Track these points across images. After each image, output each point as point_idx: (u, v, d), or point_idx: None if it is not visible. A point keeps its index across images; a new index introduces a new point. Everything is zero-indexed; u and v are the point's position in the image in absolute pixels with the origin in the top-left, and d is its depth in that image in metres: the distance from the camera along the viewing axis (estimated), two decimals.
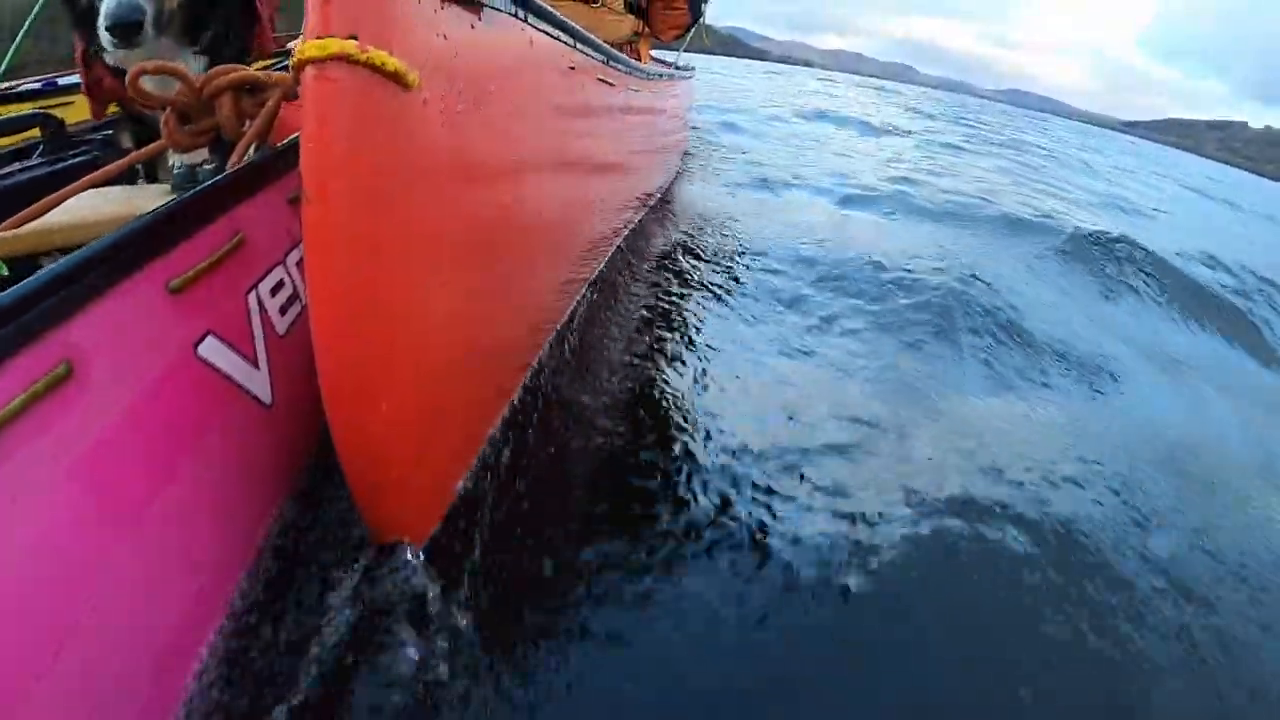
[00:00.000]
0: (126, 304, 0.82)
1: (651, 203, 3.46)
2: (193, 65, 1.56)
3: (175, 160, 1.70)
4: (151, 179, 1.77)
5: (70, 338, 0.75)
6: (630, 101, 2.44)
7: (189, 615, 0.84)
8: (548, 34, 1.38)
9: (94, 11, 1.46)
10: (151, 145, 1.41)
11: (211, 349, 0.92)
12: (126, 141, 2.01)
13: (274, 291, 1.07)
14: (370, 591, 0.96)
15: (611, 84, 2.04)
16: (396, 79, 0.79)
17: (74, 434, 0.73)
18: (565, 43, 1.51)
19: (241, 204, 1.07)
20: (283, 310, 1.08)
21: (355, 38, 0.76)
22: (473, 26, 0.98)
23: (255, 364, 0.99)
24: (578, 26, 1.64)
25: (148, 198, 1.39)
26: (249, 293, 1.02)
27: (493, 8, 1.04)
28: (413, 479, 0.98)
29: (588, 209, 2.06)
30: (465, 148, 0.99)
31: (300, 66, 0.76)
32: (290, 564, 1.01)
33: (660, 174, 3.77)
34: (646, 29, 3.15)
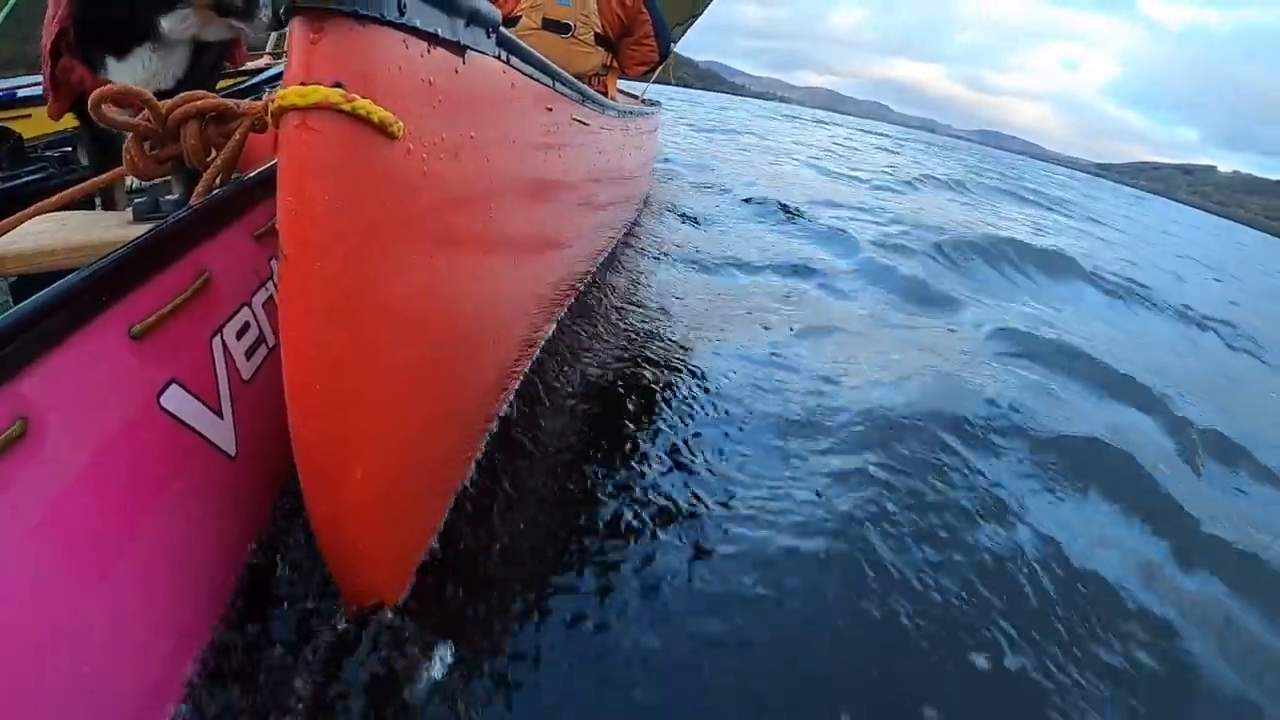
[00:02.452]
0: (86, 354, 0.78)
1: (614, 245, 3.48)
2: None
3: (133, 182, 1.66)
4: (108, 203, 1.72)
5: (25, 392, 0.71)
6: (602, 141, 2.42)
7: (159, 674, 0.80)
8: (528, 75, 1.37)
9: None
10: (112, 172, 1.36)
11: (174, 399, 0.88)
12: (85, 159, 1.96)
13: (239, 334, 1.04)
14: (347, 657, 0.93)
15: (586, 123, 2.03)
16: (381, 129, 0.77)
17: (31, 495, 0.69)
18: (544, 83, 1.50)
19: (206, 241, 1.03)
20: (248, 354, 1.05)
21: (341, 85, 0.74)
22: (456, 70, 0.96)
23: (219, 413, 0.96)
24: (554, 65, 1.63)
25: (107, 226, 1.34)
26: (213, 336, 0.98)
27: (477, 50, 1.02)
28: (388, 542, 0.95)
29: (561, 254, 2.06)
30: (447, 199, 0.97)
31: (280, 111, 0.74)
32: (261, 617, 0.97)
33: (626, 213, 3.79)
34: (614, 62, 3.16)
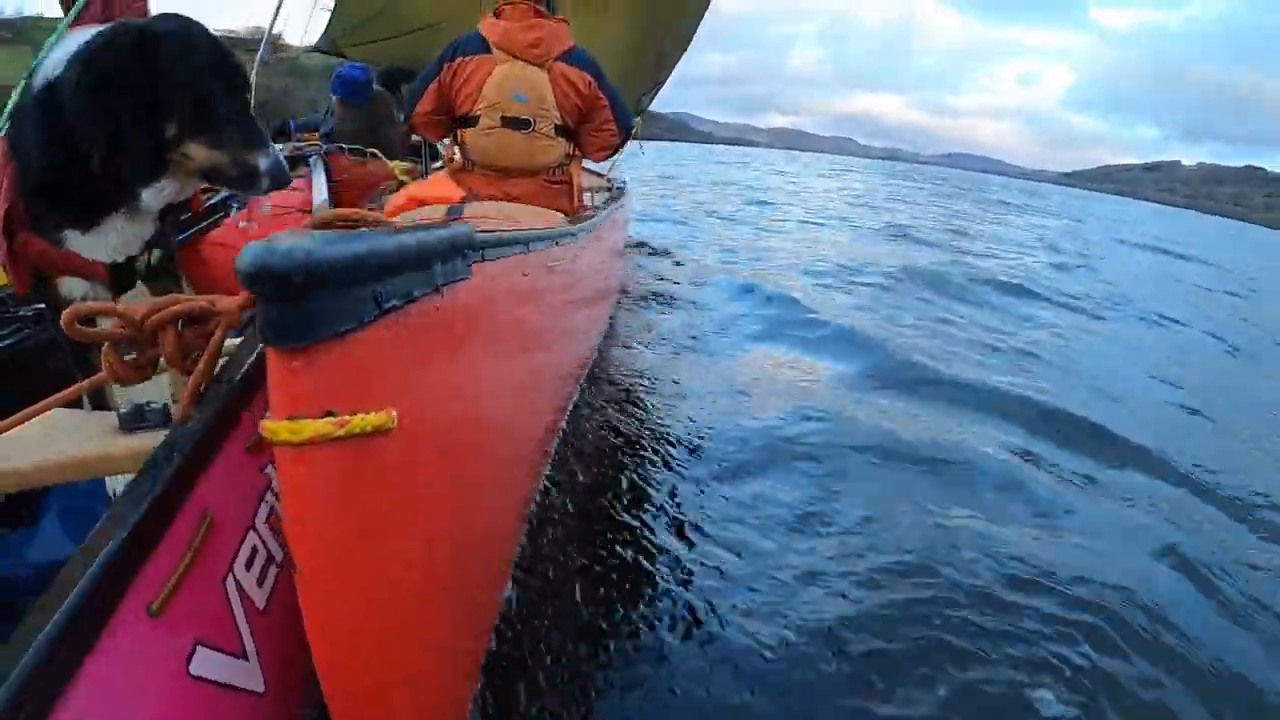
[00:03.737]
0: (109, 659, 0.79)
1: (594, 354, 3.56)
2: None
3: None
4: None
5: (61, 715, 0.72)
6: (579, 267, 2.37)
7: None
8: (502, 254, 1.35)
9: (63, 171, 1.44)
10: (96, 378, 1.36)
11: (202, 662, 0.89)
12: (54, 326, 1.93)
13: (249, 564, 1.05)
14: None
15: (562, 262, 1.97)
16: (377, 432, 0.79)
17: None
18: (518, 251, 1.47)
19: (204, 474, 1.04)
20: (259, 581, 1.06)
21: (332, 413, 0.75)
22: (436, 309, 0.96)
23: (244, 655, 0.97)
24: (524, 223, 1.64)
25: (96, 436, 1.35)
26: (226, 578, 1.00)
27: (456, 279, 1.01)
28: None
29: (552, 402, 2.06)
30: (448, 443, 1.00)
31: (270, 441, 0.75)
32: None
33: (605, 314, 3.79)
34: (577, 151, 3.17)
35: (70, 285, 1.66)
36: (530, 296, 1.59)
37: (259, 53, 5.36)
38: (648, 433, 3.13)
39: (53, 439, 1.40)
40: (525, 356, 1.55)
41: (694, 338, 4.73)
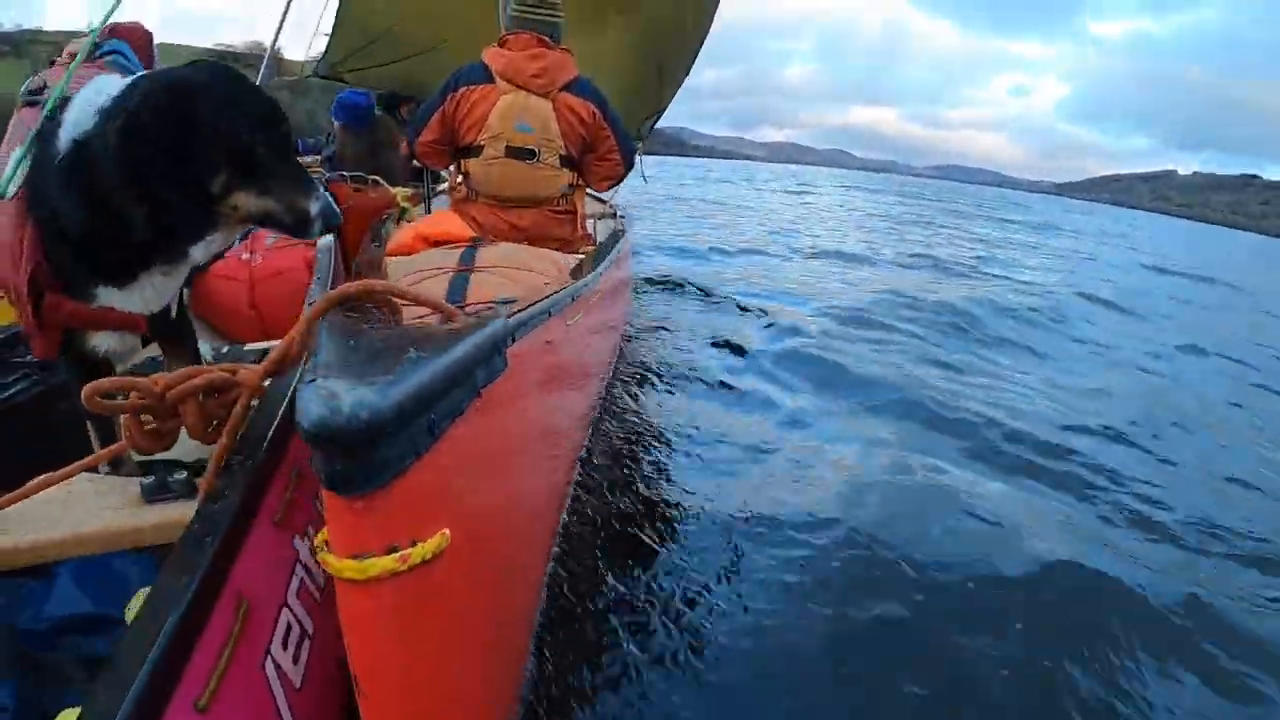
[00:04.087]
0: None
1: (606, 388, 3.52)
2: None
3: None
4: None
5: None
6: (591, 317, 2.28)
7: None
8: (528, 338, 1.32)
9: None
10: (116, 446, 1.36)
11: None
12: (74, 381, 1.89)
13: (284, 643, 1.05)
14: None
15: (578, 316, 1.89)
16: (435, 556, 0.79)
17: None
18: (542, 320, 1.45)
19: (238, 560, 1.04)
20: (295, 658, 1.06)
21: (394, 548, 0.76)
22: (478, 413, 0.94)
23: None
24: (535, 271, 1.65)
25: (117, 503, 1.35)
26: (264, 663, 1.00)
27: (493, 380, 0.99)
28: None
29: (565, 478, 2.04)
30: (489, 551, 1.00)
31: (334, 573, 0.76)
32: None
33: (613, 350, 3.77)
34: (580, 181, 3.16)
35: (99, 339, 1.61)
36: (553, 363, 1.58)
37: (260, 71, 5.35)
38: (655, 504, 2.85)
39: (75, 508, 1.40)
40: (550, 423, 1.55)
41: (726, 385, 4.41)
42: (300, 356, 1.18)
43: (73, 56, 2.85)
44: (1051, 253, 18.08)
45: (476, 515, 0.97)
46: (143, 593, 0.99)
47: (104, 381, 1.25)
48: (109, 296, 1.52)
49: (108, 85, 1.46)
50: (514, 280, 1.68)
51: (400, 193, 4.00)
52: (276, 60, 5.79)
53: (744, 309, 6.67)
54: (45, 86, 1.67)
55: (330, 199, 1.53)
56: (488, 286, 1.64)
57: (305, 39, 6.12)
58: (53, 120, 1.46)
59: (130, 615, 1.09)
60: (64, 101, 1.49)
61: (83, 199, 1.39)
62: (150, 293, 1.55)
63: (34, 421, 2.09)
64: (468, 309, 1.52)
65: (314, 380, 0.70)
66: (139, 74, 1.50)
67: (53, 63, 2.84)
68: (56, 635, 1.39)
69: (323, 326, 0.90)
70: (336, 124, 4.85)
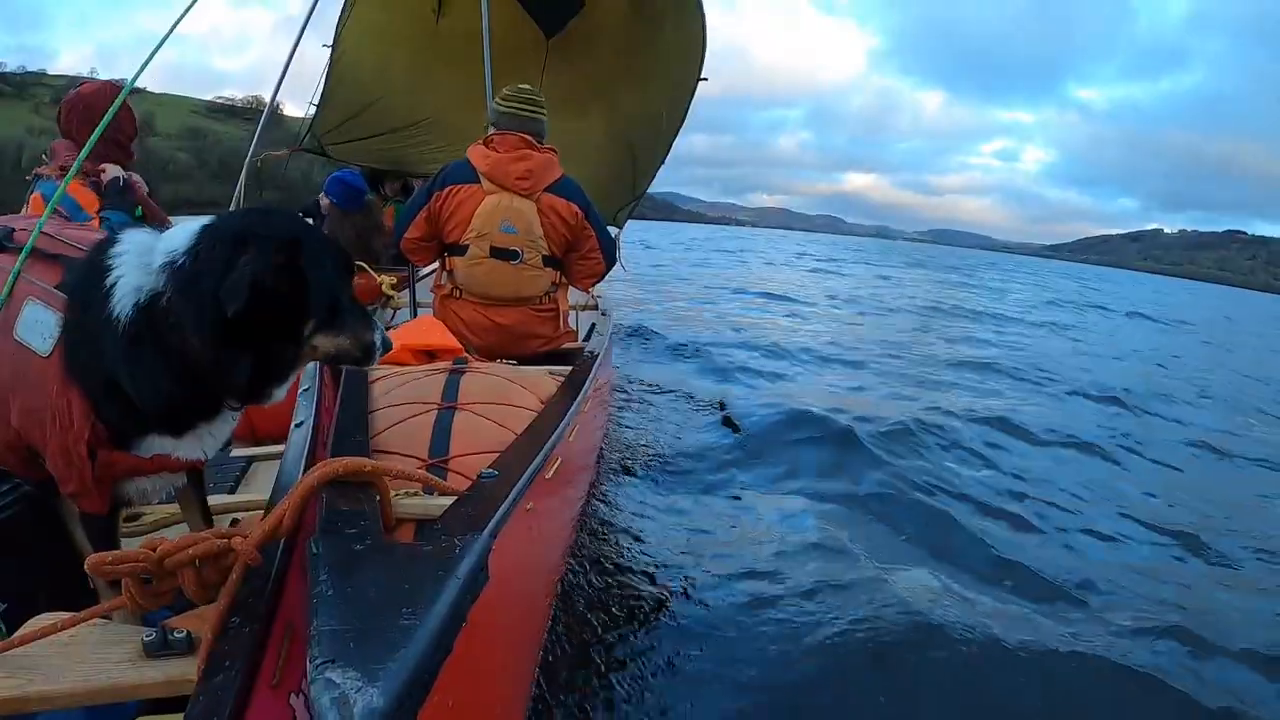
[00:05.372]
0: None
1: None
2: None
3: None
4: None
5: None
6: (572, 449, 2.19)
7: None
8: (509, 526, 1.34)
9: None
10: (115, 601, 1.41)
11: None
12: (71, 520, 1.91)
13: None
14: None
15: (555, 470, 1.83)
16: None
17: None
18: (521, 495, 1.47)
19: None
20: None
21: None
22: (464, 639, 0.97)
23: None
24: (515, 403, 1.74)
25: (119, 657, 1.39)
26: None
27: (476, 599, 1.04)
28: None
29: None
30: None
31: None
32: None
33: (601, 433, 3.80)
34: (563, 279, 3.25)
35: (141, 482, 1.59)
36: (532, 526, 1.59)
37: (258, 125, 5.41)
38: None
39: (78, 658, 1.44)
40: (525, 586, 1.62)
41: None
42: (293, 527, 1.27)
43: (63, 170, 2.94)
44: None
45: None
46: None
47: (106, 554, 1.33)
48: (169, 446, 1.52)
49: (150, 240, 1.44)
50: (496, 422, 1.75)
51: (385, 281, 4.08)
52: (277, 116, 5.91)
53: None
54: (14, 231, 1.69)
55: (383, 329, 1.58)
56: (471, 433, 1.71)
57: (305, 95, 6.23)
58: (94, 283, 1.41)
59: None
60: (100, 262, 1.43)
61: (165, 361, 1.38)
62: (210, 440, 1.58)
63: (22, 539, 2.12)
64: (451, 465, 1.63)
65: (323, 671, 0.76)
66: (206, 226, 1.42)
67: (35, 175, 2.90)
68: None
69: (319, 560, 0.98)
70: (328, 201, 4.92)
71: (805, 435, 5.14)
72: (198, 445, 1.55)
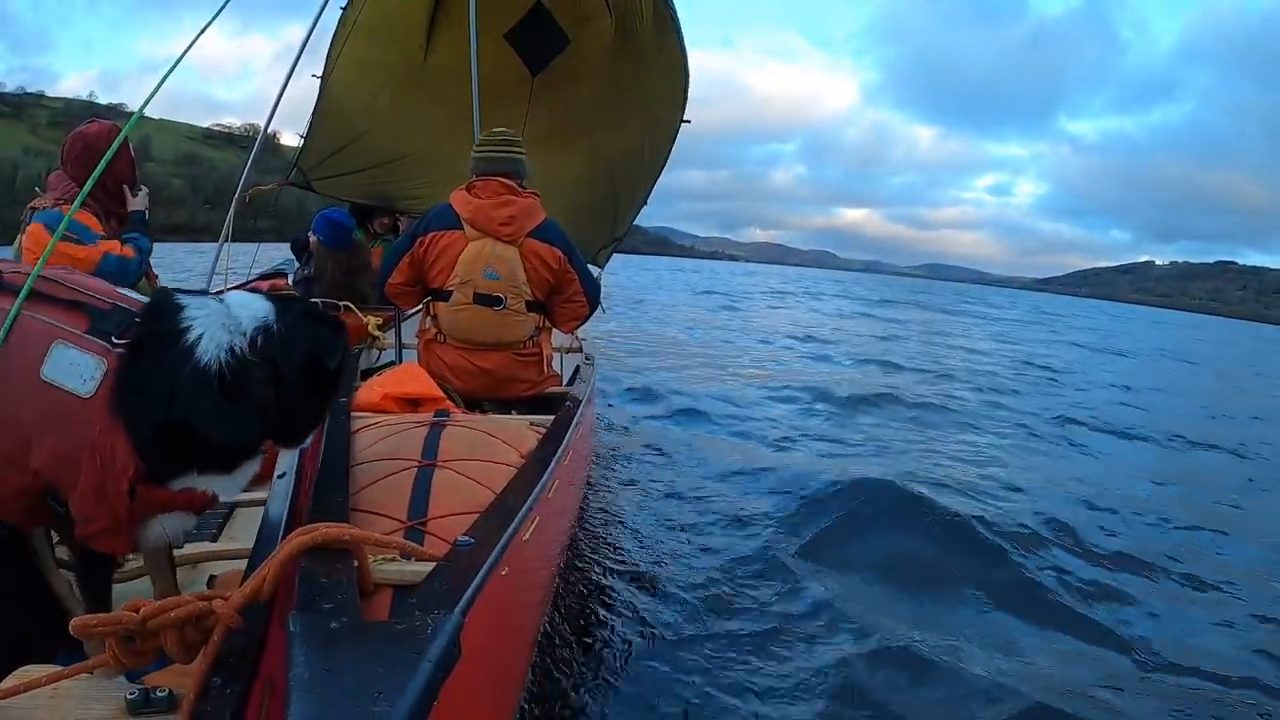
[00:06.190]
0: None
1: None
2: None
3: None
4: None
5: None
6: (552, 504, 2.21)
7: None
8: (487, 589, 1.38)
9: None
10: (99, 659, 1.44)
11: None
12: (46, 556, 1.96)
13: None
14: None
15: (532, 534, 1.84)
16: None
17: None
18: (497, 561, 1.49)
19: None
20: None
21: None
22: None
23: None
24: (498, 458, 1.81)
25: (100, 714, 1.44)
26: None
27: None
28: None
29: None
30: None
31: None
32: None
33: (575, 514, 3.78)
34: (546, 323, 3.30)
35: (166, 520, 1.65)
36: (506, 590, 1.61)
37: (252, 152, 5.44)
38: None
39: (59, 714, 1.48)
40: (501, 645, 1.67)
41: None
42: (273, 592, 1.32)
43: (58, 202, 2.99)
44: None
45: None
46: None
47: (90, 617, 1.37)
48: (211, 484, 1.64)
49: (225, 307, 1.60)
50: (476, 480, 1.79)
51: (371, 321, 4.11)
52: (273, 145, 6.00)
53: None
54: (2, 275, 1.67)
55: None
56: (450, 492, 1.75)
57: (302, 124, 6.30)
58: (165, 336, 1.54)
59: None
60: (168, 319, 1.56)
61: (250, 407, 1.57)
62: (241, 478, 1.71)
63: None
64: (429, 527, 1.67)
65: None
66: (277, 300, 1.68)
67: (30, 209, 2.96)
68: None
69: (295, 639, 1.02)
70: (315, 239, 4.93)
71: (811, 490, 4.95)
72: (234, 483, 1.70)
